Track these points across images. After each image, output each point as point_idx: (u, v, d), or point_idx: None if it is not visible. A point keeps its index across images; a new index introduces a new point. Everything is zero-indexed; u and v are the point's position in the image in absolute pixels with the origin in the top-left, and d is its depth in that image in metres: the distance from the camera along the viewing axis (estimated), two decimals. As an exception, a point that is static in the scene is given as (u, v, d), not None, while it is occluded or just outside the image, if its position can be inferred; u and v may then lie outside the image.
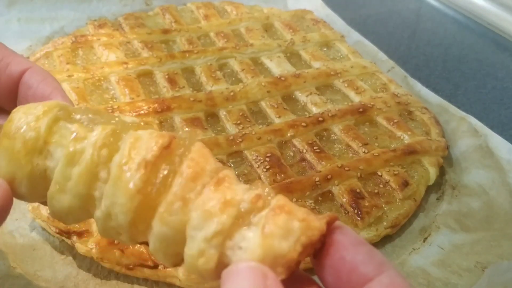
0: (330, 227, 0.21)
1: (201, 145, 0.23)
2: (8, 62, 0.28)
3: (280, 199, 0.21)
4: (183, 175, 0.21)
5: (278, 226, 0.20)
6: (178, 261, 0.23)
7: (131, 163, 0.22)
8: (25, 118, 0.24)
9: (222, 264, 0.21)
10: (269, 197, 0.21)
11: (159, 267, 0.39)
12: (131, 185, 0.21)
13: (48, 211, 0.41)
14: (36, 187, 0.24)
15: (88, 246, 0.40)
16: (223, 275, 0.20)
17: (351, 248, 0.20)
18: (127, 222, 0.22)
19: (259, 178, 0.46)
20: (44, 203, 0.25)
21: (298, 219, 0.20)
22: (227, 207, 0.20)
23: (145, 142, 0.22)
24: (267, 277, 0.19)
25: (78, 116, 0.25)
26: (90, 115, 0.25)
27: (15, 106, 0.28)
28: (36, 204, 0.42)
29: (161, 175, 0.22)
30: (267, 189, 0.22)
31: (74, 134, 0.23)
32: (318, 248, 0.21)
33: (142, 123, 0.24)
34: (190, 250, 0.21)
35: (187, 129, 0.25)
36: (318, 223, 0.20)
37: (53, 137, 0.24)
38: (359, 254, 0.20)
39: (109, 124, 0.24)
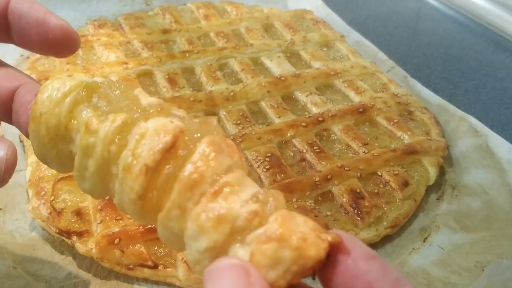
0: (334, 247, 0.20)
1: (209, 142, 0.22)
2: (2, 76, 0.28)
3: (277, 219, 0.20)
4: (182, 182, 0.21)
5: (265, 256, 0.19)
6: (183, 248, 0.23)
7: (133, 166, 0.22)
8: (49, 101, 0.24)
9: None
10: (268, 213, 0.20)
11: (159, 267, 0.39)
12: (132, 190, 0.22)
13: (48, 211, 0.41)
14: (65, 166, 0.26)
15: (88, 246, 0.39)
16: (205, 274, 0.19)
17: (363, 264, 0.19)
18: (137, 218, 0.23)
19: (259, 178, 0.46)
20: None
21: (290, 248, 0.19)
22: (220, 224, 0.20)
23: (149, 141, 0.22)
24: (250, 274, 0.18)
25: (95, 100, 0.24)
26: (109, 96, 0.24)
27: (11, 119, 0.28)
28: (36, 204, 0.42)
29: (162, 180, 0.21)
30: (268, 204, 0.20)
31: (87, 125, 0.23)
32: (322, 267, 0.20)
33: (158, 108, 0.23)
34: (188, 255, 0.21)
35: (196, 120, 0.23)
36: (314, 251, 0.19)
37: (73, 123, 0.24)
38: (373, 271, 0.19)
39: (123, 112, 0.23)
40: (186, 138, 0.22)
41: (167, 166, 0.21)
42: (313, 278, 0.21)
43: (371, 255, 0.20)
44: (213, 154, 0.21)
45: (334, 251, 0.20)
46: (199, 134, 0.22)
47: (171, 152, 0.21)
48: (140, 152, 0.22)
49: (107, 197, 0.26)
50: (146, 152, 0.21)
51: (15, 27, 0.29)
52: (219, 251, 0.20)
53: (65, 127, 0.24)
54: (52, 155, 0.25)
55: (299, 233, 0.19)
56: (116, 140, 0.23)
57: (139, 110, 0.23)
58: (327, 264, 0.20)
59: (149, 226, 0.40)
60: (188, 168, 0.21)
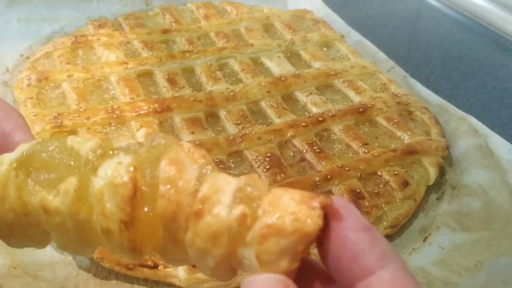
0: (331, 209, 0.20)
1: (167, 163, 0.21)
2: None
3: (265, 211, 0.20)
4: (162, 218, 0.21)
5: (270, 254, 0.19)
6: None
7: (111, 227, 0.21)
8: None
9: (233, 269, 0.21)
10: (255, 206, 0.20)
11: (159, 267, 0.39)
12: (124, 247, 0.21)
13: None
14: (46, 241, 0.25)
15: (88, 246, 0.40)
16: (242, 284, 0.19)
17: (352, 235, 0.19)
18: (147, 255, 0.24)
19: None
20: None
21: (288, 234, 0.19)
22: (217, 239, 0.20)
23: (111, 196, 0.21)
24: (288, 286, 0.19)
25: (34, 174, 0.23)
26: (46, 164, 0.23)
27: None
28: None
29: (144, 224, 0.21)
30: (252, 197, 0.20)
31: (45, 209, 0.22)
32: (322, 231, 0.20)
33: (100, 153, 0.22)
34: (202, 272, 0.22)
35: (143, 144, 0.22)
36: (311, 225, 0.19)
37: (29, 208, 0.23)
38: (361, 242, 0.19)
39: (70, 175, 0.22)
40: (144, 171, 0.21)
41: (142, 210, 0.21)
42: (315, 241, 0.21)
43: (363, 226, 0.19)
44: (177, 175, 0.20)
45: (328, 218, 0.20)
46: (151, 162, 0.21)
47: (137, 196, 0.21)
48: (109, 212, 0.21)
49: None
50: (115, 209, 0.21)
51: None
52: (228, 259, 0.20)
53: (24, 215, 0.23)
54: (26, 242, 0.24)
55: (291, 215, 0.19)
56: (80, 208, 0.22)
57: (82, 164, 0.22)
58: (322, 229, 0.20)
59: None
60: (161, 202, 0.20)
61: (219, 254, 0.20)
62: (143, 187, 0.21)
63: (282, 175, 0.46)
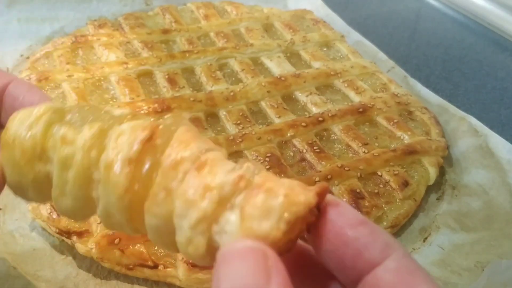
0: (323, 201, 0.20)
1: (184, 130, 0.22)
2: None
3: (262, 176, 0.20)
4: (164, 165, 0.21)
5: (256, 207, 0.19)
6: (177, 248, 0.22)
7: (115, 162, 0.22)
8: (21, 126, 0.24)
9: (213, 248, 0.20)
10: (253, 175, 0.20)
11: (159, 267, 0.39)
12: (118, 185, 0.21)
13: (48, 211, 0.41)
14: (42, 191, 0.25)
15: (88, 246, 0.39)
16: (218, 258, 0.18)
17: (351, 231, 0.19)
18: (124, 219, 0.22)
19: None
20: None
21: (279, 196, 0.19)
22: (207, 192, 0.20)
23: (127, 138, 0.22)
24: (267, 257, 0.18)
25: (69, 117, 0.25)
26: (81, 114, 0.25)
27: None
28: (36, 204, 0.42)
29: (145, 170, 0.21)
30: (252, 166, 0.21)
31: (64, 138, 0.23)
32: (313, 222, 0.20)
33: (129, 116, 0.24)
34: (179, 238, 0.21)
35: (168, 116, 0.24)
36: (303, 197, 0.19)
37: (49, 142, 0.24)
38: (361, 237, 0.19)
39: (97, 122, 0.24)
40: (162, 128, 0.22)
41: (148, 157, 0.21)
42: (308, 232, 0.20)
43: (359, 221, 0.19)
44: (190, 136, 0.22)
45: (322, 212, 0.20)
46: (174, 127, 0.23)
47: (151, 143, 0.22)
48: (119, 150, 0.22)
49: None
50: (126, 146, 0.22)
51: (7, 109, 0.29)
52: (210, 221, 0.19)
53: (41, 147, 0.24)
54: (28, 180, 0.24)
55: (286, 184, 0.19)
56: (95, 144, 0.23)
57: (113, 119, 0.24)
58: (317, 224, 0.20)
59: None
60: (169, 151, 0.21)
61: (205, 208, 0.19)
62: (157, 139, 0.22)
63: (282, 175, 0.46)
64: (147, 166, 0.21)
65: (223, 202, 0.19)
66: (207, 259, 0.20)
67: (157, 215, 0.21)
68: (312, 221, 0.20)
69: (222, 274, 0.18)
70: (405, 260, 0.18)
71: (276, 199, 0.19)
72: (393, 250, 0.18)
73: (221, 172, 0.20)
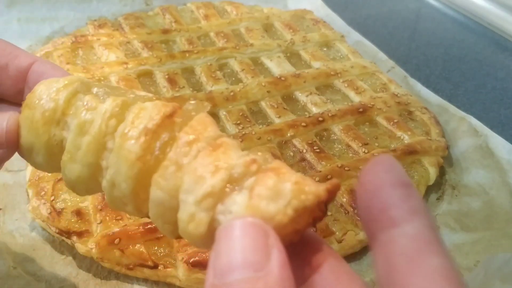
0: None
1: (204, 114, 0.23)
2: (16, 55, 0.29)
3: (276, 163, 0.20)
4: (179, 141, 0.21)
5: (266, 187, 0.18)
6: (176, 230, 0.22)
7: (133, 131, 0.22)
8: (47, 90, 0.25)
9: (213, 229, 0.20)
10: (265, 163, 0.20)
11: (159, 267, 0.39)
12: (131, 152, 0.22)
13: (48, 211, 0.41)
14: (52, 157, 0.25)
15: (88, 246, 0.39)
16: (217, 233, 0.18)
17: (388, 188, 0.18)
18: (129, 190, 0.22)
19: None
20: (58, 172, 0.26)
21: (290, 182, 0.19)
22: (219, 171, 0.19)
23: (149, 112, 0.22)
24: (268, 235, 0.17)
25: (95, 90, 0.25)
26: (107, 89, 0.25)
27: (21, 98, 0.28)
28: (36, 204, 0.42)
29: (160, 143, 0.22)
30: (265, 155, 0.21)
31: (86, 104, 0.24)
32: (320, 218, 0.19)
33: (154, 98, 0.25)
34: (181, 214, 0.20)
35: (193, 101, 0.24)
36: (314, 187, 0.19)
37: (70, 109, 0.24)
38: (394, 195, 0.18)
39: (122, 97, 0.24)
40: (184, 109, 0.23)
41: (166, 132, 0.22)
42: (315, 228, 0.20)
43: (402, 182, 0.19)
44: (209, 121, 0.22)
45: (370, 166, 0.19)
46: (194, 113, 0.23)
47: (170, 120, 0.22)
48: (139, 121, 0.22)
49: (93, 193, 0.26)
50: (146, 118, 0.22)
51: (31, 86, 0.29)
52: (217, 199, 0.19)
53: (61, 112, 0.24)
54: (41, 142, 0.25)
55: (298, 174, 0.19)
56: (116, 114, 0.23)
57: (137, 98, 0.24)
58: (319, 217, 0.19)
59: (149, 226, 0.40)
60: (186, 129, 0.22)
61: (213, 184, 0.19)
62: (177, 118, 0.22)
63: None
64: (162, 139, 0.22)
65: (232, 182, 0.19)
66: (205, 241, 0.20)
67: (163, 188, 0.21)
68: (319, 217, 0.19)
69: (221, 248, 0.17)
70: (426, 229, 0.17)
71: (287, 184, 0.19)
72: (418, 217, 0.18)
73: (235, 155, 0.20)
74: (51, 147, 0.25)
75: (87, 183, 0.24)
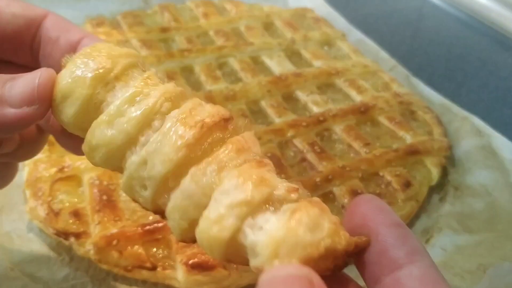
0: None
1: (253, 133, 0.23)
2: (68, 29, 0.30)
3: (317, 199, 0.20)
4: (229, 145, 0.22)
5: (309, 216, 0.19)
6: (189, 230, 0.22)
7: (189, 119, 0.22)
8: (109, 49, 0.25)
9: (234, 241, 0.20)
10: (305, 196, 0.21)
11: (158, 269, 0.39)
12: (182, 137, 0.22)
13: (46, 212, 0.41)
14: (83, 113, 0.24)
15: (86, 248, 0.39)
16: (260, 282, 0.18)
17: (384, 229, 0.19)
18: (162, 174, 0.22)
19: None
20: (75, 134, 0.25)
21: (330, 221, 0.19)
22: (262, 185, 0.20)
23: (207, 109, 0.23)
24: (313, 285, 0.17)
25: (154, 70, 0.25)
26: (161, 75, 0.26)
27: None
28: (33, 205, 0.42)
29: (211, 140, 0.22)
30: (305, 190, 0.21)
31: (147, 78, 0.24)
32: (340, 267, 0.20)
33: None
34: (210, 213, 0.20)
35: (243, 119, 0.26)
36: (348, 235, 0.19)
37: (124, 77, 0.24)
38: (392, 236, 0.19)
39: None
40: (236, 121, 0.24)
41: (219, 133, 0.22)
42: (331, 274, 0.20)
43: (395, 222, 0.19)
44: (257, 141, 0.23)
45: (365, 218, 0.20)
46: (243, 129, 0.24)
47: (226, 124, 0.22)
48: (196, 113, 0.22)
49: (108, 168, 0.25)
50: (206, 114, 0.22)
51: (53, 38, 0.30)
52: (250, 211, 0.19)
53: (115, 76, 0.24)
54: (83, 94, 0.24)
55: (336, 216, 0.20)
56: (173, 99, 0.23)
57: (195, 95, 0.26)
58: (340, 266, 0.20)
59: (148, 227, 0.40)
60: (238, 138, 0.22)
61: (253, 195, 0.19)
62: (231, 125, 0.23)
63: (283, 175, 0.45)
64: (214, 137, 0.22)
65: (270, 201, 0.20)
66: (220, 250, 0.20)
67: (199, 183, 0.21)
68: (339, 266, 0.20)
69: None
70: (431, 270, 0.18)
71: (327, 222, 0.19)
72: (421, 257, 0.18)
73: (278, 180, 0.21)
74: (89, 103, 0.24)
75: (113, 152, 0.23)
